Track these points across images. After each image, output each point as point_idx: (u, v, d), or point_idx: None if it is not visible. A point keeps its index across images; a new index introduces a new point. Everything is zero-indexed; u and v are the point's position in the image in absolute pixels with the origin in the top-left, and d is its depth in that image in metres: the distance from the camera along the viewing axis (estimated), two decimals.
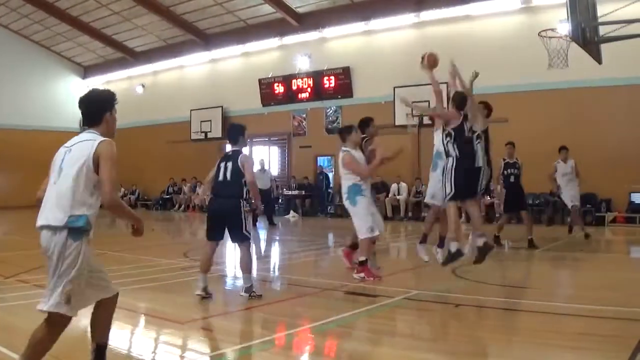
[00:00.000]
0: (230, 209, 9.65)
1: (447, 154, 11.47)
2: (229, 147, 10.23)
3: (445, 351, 7.14)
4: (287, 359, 7.03)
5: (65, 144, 5.71)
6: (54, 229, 5.30)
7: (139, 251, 16.70)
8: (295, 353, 7.30)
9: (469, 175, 11.27)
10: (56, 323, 5.58)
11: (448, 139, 11.44)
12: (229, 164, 9.81)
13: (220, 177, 9.87)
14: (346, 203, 12.07)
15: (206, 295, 9.71)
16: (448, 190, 11.27)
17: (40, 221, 5.40)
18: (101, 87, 26.76)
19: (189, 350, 7.26)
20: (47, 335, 5.64)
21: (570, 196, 18.76)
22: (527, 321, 8.53)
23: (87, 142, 5.53)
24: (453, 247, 11.22)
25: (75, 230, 5.29)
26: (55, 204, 5.37)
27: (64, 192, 5.36)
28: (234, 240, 9.86)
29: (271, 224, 24.68)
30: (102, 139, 5.57)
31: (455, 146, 11.32)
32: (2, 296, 10.23)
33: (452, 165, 11.26)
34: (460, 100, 11.86)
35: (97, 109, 5.82)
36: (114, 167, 5.42)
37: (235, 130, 10.29)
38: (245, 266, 9.82)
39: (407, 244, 19.28)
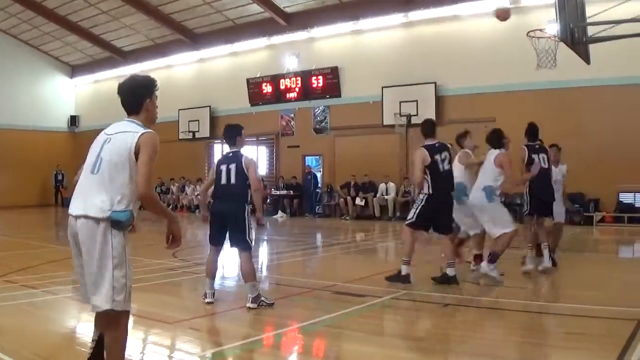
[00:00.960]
0: (234, 213, 9.22)
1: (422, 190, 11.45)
2: (224, 149, 10.09)
3: (433, 351, 7.15)
4: (276, 359, 7.03)
5: (106, 131, 5.57)
6: (95, 220, 5.17)
7: (130, 251, 16.63)
8: (284, 353, 7.32)
9: (438, 210, 11.38)
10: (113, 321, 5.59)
11: (425, 175, 11.29)
12: (232, 166, 9.38)
13: (223, 180, 9.42)
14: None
15: (212, 301, 9.49)
16: (410, 216, 11.47)
17: (77, 210, 5.27)
18: (89, 87, 26.70)
19: (178, 351, 7.29)
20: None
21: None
22: (516, 321, 8.56)
23: (129, 134, 5.39)
24: (404, 270, 11.22)
25: (118, 223, 5.26)
26: (97, 194, 5.22)
27: (106, 183, 5.23)
28: (233, 245, 9.41)
29: (259, 224, 24.64)
30: (145, 130, 5.42)
31: (430, 182, 11.29)
32: None
33: (423, 199, 11.32)
34: (423, 126, 11.98)
35: (136, 96, 5.63)
36: (153, 160, 5.32)
37: (232, 131, 9.80)
38: (248, 274, 9.29)
39: (395, 243, 19.29)
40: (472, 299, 9.89)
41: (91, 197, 5.24)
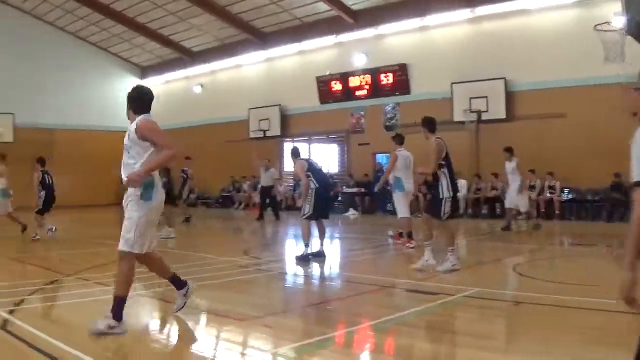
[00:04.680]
0: None
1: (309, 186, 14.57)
2: None
3: (505, 350, 7.08)
4: (347, 357, 6.98)
5: None
6: None
7: (201, 249, 16.93)
8: (355, 351, 7.27)
9: (325, 201, 15.05)
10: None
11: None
12: None
13: None
14: None
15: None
16: (307, 210, 14.46)
17: None
18: (160, 88, 27.25)
19: (250, 348, 7.31)
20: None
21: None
22: (588, 319, 8.41)
23: None
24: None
25: None
26: None
27: None
28: None
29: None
30: None
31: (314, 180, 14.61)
32: (62, 294, 10.45)
33: (313, 193, 14.47)
34: (292, 153, 15.80)
35: None
36: None
37: None
38: None
39: (467, 241, 19.19)
40: (545, 297, 9.62)
41: None
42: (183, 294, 8.53)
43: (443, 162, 12.13)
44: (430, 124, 12.76)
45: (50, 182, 19.74)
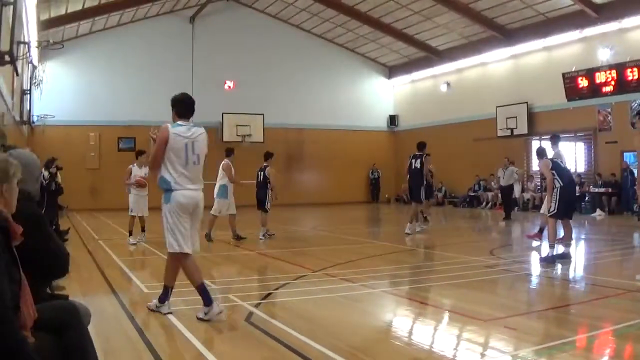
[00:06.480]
0: None
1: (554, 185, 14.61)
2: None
3: None
4: None
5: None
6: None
7: (447, 248, 17.15)
8: (594, 356, 7.16)
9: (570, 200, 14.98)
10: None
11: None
12: None
13: None
14: None
15: None
16: (552, 208, 14.54)
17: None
18: (406, 87, 27.83)
19: (490, 349, 7.36)
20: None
21: None
22: None
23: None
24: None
25: None
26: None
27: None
28: None
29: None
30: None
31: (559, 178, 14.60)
32: (309, 289, 10.93)
33: (557, 192, 14.42)
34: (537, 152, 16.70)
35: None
36: None
37: None
38: None
39: None
40: None
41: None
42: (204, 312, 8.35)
43: None
44: None
45: (261, 179, 19.06)
